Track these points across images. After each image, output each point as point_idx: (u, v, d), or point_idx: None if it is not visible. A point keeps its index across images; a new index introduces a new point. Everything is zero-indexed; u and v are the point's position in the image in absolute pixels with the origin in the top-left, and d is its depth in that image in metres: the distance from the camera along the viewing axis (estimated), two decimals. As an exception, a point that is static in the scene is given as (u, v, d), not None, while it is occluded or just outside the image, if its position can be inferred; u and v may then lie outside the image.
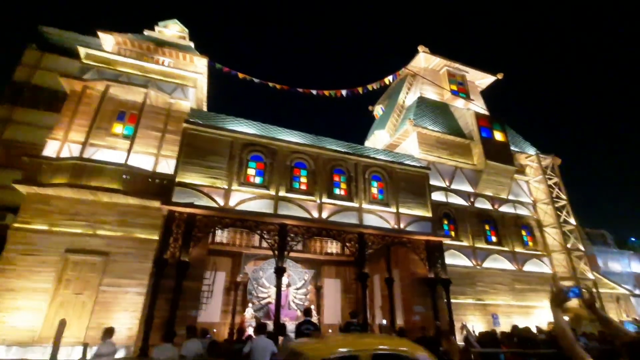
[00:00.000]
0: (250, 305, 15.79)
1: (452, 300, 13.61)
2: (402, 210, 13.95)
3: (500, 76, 22.08)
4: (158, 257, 9.58)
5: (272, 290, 16.71)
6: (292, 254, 17.46)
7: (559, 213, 17.36)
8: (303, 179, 12.99)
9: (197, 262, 10.49)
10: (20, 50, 17.96)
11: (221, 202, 11.42)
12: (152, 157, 11.89)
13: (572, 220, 17.38)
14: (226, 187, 11.67)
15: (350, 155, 13.98)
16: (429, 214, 14.39)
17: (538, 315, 15.02)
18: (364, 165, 14.11)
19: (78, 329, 9.39)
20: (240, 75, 19.38)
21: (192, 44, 16.75)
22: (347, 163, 13.90)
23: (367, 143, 21.97)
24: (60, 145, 10.97)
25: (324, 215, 12.67)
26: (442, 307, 12.45)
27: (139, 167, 11.26)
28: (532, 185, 18.69)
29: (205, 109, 17.82)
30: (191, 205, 10.27)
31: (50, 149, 10.92)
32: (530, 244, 16.91)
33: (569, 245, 16.41)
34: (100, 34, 14.24)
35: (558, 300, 2.35)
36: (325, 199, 12.91)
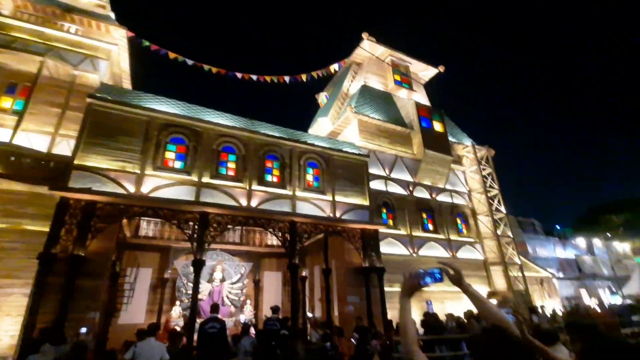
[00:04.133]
0: (178, 303, 14.56)
1: (388, 289, 13.49)
2: (338, 198, 13.50)
3: (442, 69, 22.52)
4: (43, 252, 8.13)
5: (204, 286, 15.60)
6: (228, 247, 16.53)
7: (491, 202, 18.05)
8: (231, 165, 11.99)
9: (98, 256, 9.16)
10: None
11: (132, 189, 10.10)
12: (49, 136, 10.22)
13: (503, 209, 18.17)
14: (138, 171, 10.35)
15: (285, 141, 13.21)
16: (366, 203, 14.11)
17: (468, 300, 15.44)
18: (299, 152, 13.42)
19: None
20: (172, 54, 17.74)
21: (112, 14, 14.88)
22: (282, 149, 13.12)
23: (311, 131, 21.36)
24: None
25: (254, 203, 11.82)
26: (376, 296, 12.21)
27: (30, 148, 9.59)
28: (467, 175, 19.27)
29: (127, 86, 16.00)
30: (88, 191, 8.88)
31: None
32: (465, 231, 17.41)
33: (499, 232, 17.11)
34: (-10, -8, 12.04)
35: (409, 289, 1.77)
36: (255, 186, 12.04)
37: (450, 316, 10.62)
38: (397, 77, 20.84)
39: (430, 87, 23.35)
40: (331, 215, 13.01)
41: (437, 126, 18.34)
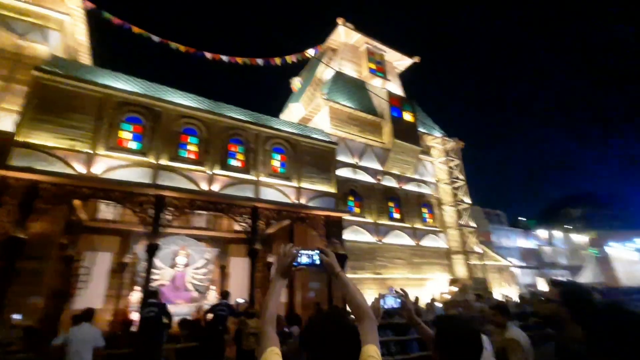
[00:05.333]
0: (138, 288, 14.20)
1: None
2: (304, 185, 13.40)
3: (417, 59, 22.57)
4: (-22, 233, 7.62)
5: (166, 271, 15.29)
6: (194, 232, 16.20)
7: (457, 193, 18.50)
8: (192, 147, 11.60)
9: (43, 239, 8.71)
10: None
11: (82, 169, 9.58)
12: (-11, 110, 9.49)
13: (468, 200, 18.67)
14: (90, 151, 9.81)
15: (251, 125, 12.89)
16: (333, 190, 14.09)
17: (430, 286, 15.95)
18: (265, 137, 13.15)
19: None
20: (136, 29, 16.84)
21: (68, -18, 13.82)
22: (247, 133, 12.80)
23: (282, 116, 21.04)
24: None
25: (216, 188, 11.53)
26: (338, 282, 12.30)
27: (-35, 122, 8.86)
28: (436, 166, 19.63)
29: (85, 61, 15.07)
30: (29, 170, 8.34)
31: None
32: (430, 220, 17.81)
33: (461, 222, 17.61)
34: None
35: (282, 268, 1.66)
36: (217, 170, 11.73)
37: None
38: (372, 66, 20.73)
39: (406, 77, 23.44)
40: (296, 202, 12.92)
41: (408, 116, 18.46)
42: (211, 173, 11.56)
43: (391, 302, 2.09)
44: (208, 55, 18.72)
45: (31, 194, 8.35)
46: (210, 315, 8.37)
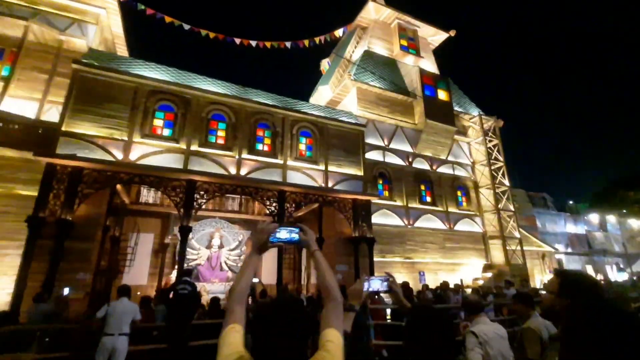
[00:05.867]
0: (176, 267, 15.14)
1: (380, 259, 13.58)
2: (332, 168, 13.31)
3: (452, 33, 21.20)
4: (32, 215, 8.42)
5: (202, 252, 16.09)
6: (227, 215, 16.84)
7: (495, 175, 17.49)
8: (221, 133, 11.89)
9: (88, 221, 9.44)
10: None
11: (120, 156, 10.19)
12: (37, 102, 10.29)
13: (507, 182, 17.62)
14: (126, 139, 10.39)
15: (278, 109, 12.92)
16: (360, 173, 13.89)
17: (463, 271, 15.44)
18: (292, 120, 13.14)
19: (-58, 295, 8.29)
20: (167, 18, 17.26)
21: (103, -24, 14.40)
22: (274, 117, 12.86)
23: (312, 100, 20.85)
24: None
25: (244, 172, 11.79)
26: (365, 265, 12.29)
27: (17, 114, 9.70)
28: (472, 147, 18.62)
29: (122, 52, 15.78)
30: (73, 157, 9.00)
31: None
32: (465, 204, 17.08)
33: (500, 206, 16.70)
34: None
35: (257, 244, 1.63)
36: (245, 155, 11.97)
37: (426, 287, 10.69)
38: (404, 42, 19.79)
39: (441, 53, 22.18)
40: (323, 185, 12.90)
41: (442, 95, 17.55)
42: (239, 157, 11.82)
43: (377, 285, 1.98)
44: (237, 40, 18.87)
45: (76, 179, 9.04)
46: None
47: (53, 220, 8.59)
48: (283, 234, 1.66)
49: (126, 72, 10.94)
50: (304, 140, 13.27)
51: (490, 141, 18.23)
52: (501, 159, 17.98)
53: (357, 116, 15.17)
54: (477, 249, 16.45)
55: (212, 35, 18.19)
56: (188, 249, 15.70)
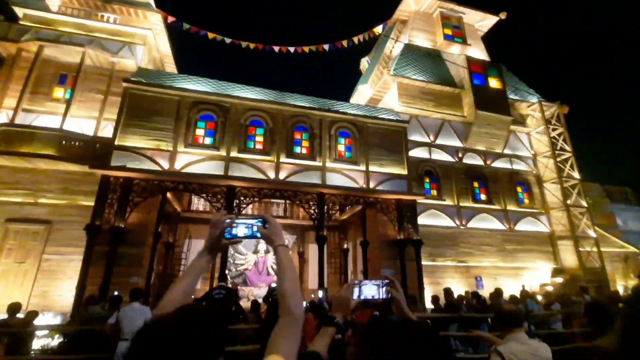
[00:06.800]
0: (227, 272, 15.59)
1: (429, 263, 12.69)
2: (372, 168, 12.77)
3: (503, 16, 19.44)
4: (90, 224, 9.13)
5: (250, 257, 16.44)
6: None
7: (562, 167, 15.54)
8: (259, 138, 12.01)
9: (139, 228, 10.03)
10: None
11: (166, 165, 10.72)
12: (94, 120, 11.25)
13: (576, 175, 15.55)
14: (171, 149, 10.91)
15: (314, 110, 12.75)
16: (404, 172, 13.15)
17: (528, 276, 13.84)
18: (330, 121, 12.87)
19: (20, 296, 9.25)
20: (210, 35, 18.12)
21: (151, 1, 15.52)
22: (311, 119, 12.71)
23: (352, 100, 20.41)
24: (-6, 112, 10.50)
25: (282, 175, 11.76)
26: (412, 270, 11.51)
27: (77, 132, 10.67)
28: (533, 138, 16.77)
29: (171, 69, 16.82)
30: (123, 168, 9.62)
31: (-14, 117, 10.49)
32: (526, 201, 15.37)
33: (569, 202, 14.76)
34: (43, -7, 13.31)
35: (210, 240, 1.35)
36: (283, 159, 11.93)
37: (473, 293, 9.30)
38: (448, 32, 18.55)
39: (491, 39, 20.46)
40: (364, 186, 12.41)
41: (494, 83, 16.08)
42: (277, 161, 11.82)
43: (371, 292, 1.50)
44: (275, 48, 19.21)
45: (127, 189, 9.65)
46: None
47: (107, 227, 9.23)
48: (241, 229, 1.35)
49: (170, 87, 11.54)
50: (342, 140, 12.93)
51: (554, 129, 16.28)
52: (568, 149, 15.94)
53: (398, 113, 14.46)
54: (544, 251, 14.67)
55: (252, 45, 18.73)
56: (236, 254, 16.19)
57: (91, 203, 10.31)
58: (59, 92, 11.36)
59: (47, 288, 9.63)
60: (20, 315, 6.40)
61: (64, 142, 10.13)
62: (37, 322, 8.14)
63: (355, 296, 1.48)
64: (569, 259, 14.25)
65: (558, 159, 15.61)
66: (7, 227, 9.76)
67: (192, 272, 1.30)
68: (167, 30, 15.66)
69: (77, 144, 10.39)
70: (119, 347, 5.17)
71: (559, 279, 13.49)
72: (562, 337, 6.12)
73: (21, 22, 11.69)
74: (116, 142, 10.46)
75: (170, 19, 16.50)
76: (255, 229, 1.35)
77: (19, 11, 11.80)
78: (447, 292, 7.48)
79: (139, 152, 10.62)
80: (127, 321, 5.31)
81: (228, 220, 1.34)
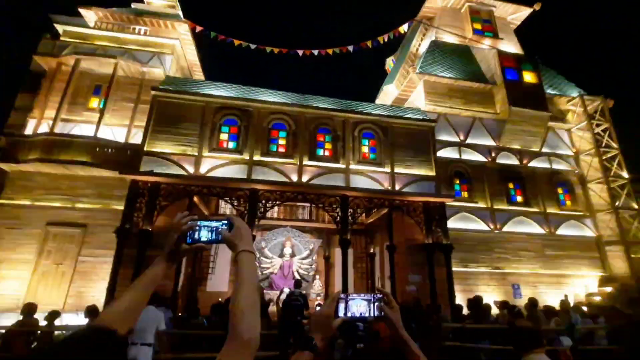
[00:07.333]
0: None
1: (461, 269, 12.05)
2: (398, 170, 12.36)
3: (537, 7, 18.34)
4: (120, 227, 9.48)
5: (276, 261, 16.42)
6: (298, 224, 16.98)
7: (608, 165, 14.28)
8: (281, 141, 12.00)
9: (166, 231, 10.27)
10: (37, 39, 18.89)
11: (191, 170, 10.96)
12: (126, 128, 11.75)
13: (625, 174, 14.21)
14: (197, 154, 11.15)
15: (337, 112, 12.57)
16: (432, 173, 12.62)
17: (573, 284, 12.75)
18: (353, 122, 12.63)
19: (58, 296, 9.79)
20: (236, 41, 18.50)
21: (180, 12, 16.12)
22: (334, 121, 12.54)
23: (378, 100, 20.01)
24: (37, 123, 11.24)
25: (305, 178, 11.65)
26: (442, 276, 10.95)
27: (110, 139, 11.18)
28: (574, 134, 15.57)
29: (199, 76, 17.32)
30: (151, 173, 9.92)
31: (30, 128, 11.25)
32: (568, 203, 14.23)
33: (618, 204, 13.49)
34: (81, 10, 14.16)
35: (168, 246, 1.18)
36: (306, 161, 11.83)
37: (503, 303, 8.09)
38: (477, 26, 17.77)
39: (525, 32, 19.38)
40: (389, 188, 12.03)
41: (529, 77, 15.13)
42: (300, 164, 11.74)
43: (359, 309, 1.26)
44: (299, 52, 19.27)
45: (155, 193, 9.94)
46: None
47: (136, 231, 9.53)
48: (204, 233, 1.17)
49: (195, 93, 11.84)
50: (366, 142, 12.64)
51: (598, 125, 15.03)
52: (615, 145, 14.63)
53: (425, 112, 13.95)
54: (589, 258, 13.48)
55: (276, 50, 18.91)
56: (262, 258, 16.23)
57: (121, 207, 10.75)
58: (94, 102, 11.99)
59: (83, 289, 10.09)
60: (38, 315, 6.32)
61: (98, 149, 10.65)
62: (72, 322, 8.52)
63: (340, 313, 1.25)
64: (620, 266, 12.98)
65: (603, 157, 14.36)
66: (47, 230, 10.36)
67: (143, 282, 1.11)
68: (195, 39, 16.16)
69: (110, 150, 10.89)
70: (128, 352, 5.04)
71: (608, 289, 12.31)
72: (609, 355, 5.47)
73: (62, 39, 12.48)
74: (145, 148, 10.85)
75: (198, 28, 17.06)
76: (219, 232, 1.17)
77: (60, 28, 12.61)
78: (476, 301, 6.82)
79: (166, 157, 10.94)
80: (140, 323, 5.24)
81: (189, 223, 1.18)
